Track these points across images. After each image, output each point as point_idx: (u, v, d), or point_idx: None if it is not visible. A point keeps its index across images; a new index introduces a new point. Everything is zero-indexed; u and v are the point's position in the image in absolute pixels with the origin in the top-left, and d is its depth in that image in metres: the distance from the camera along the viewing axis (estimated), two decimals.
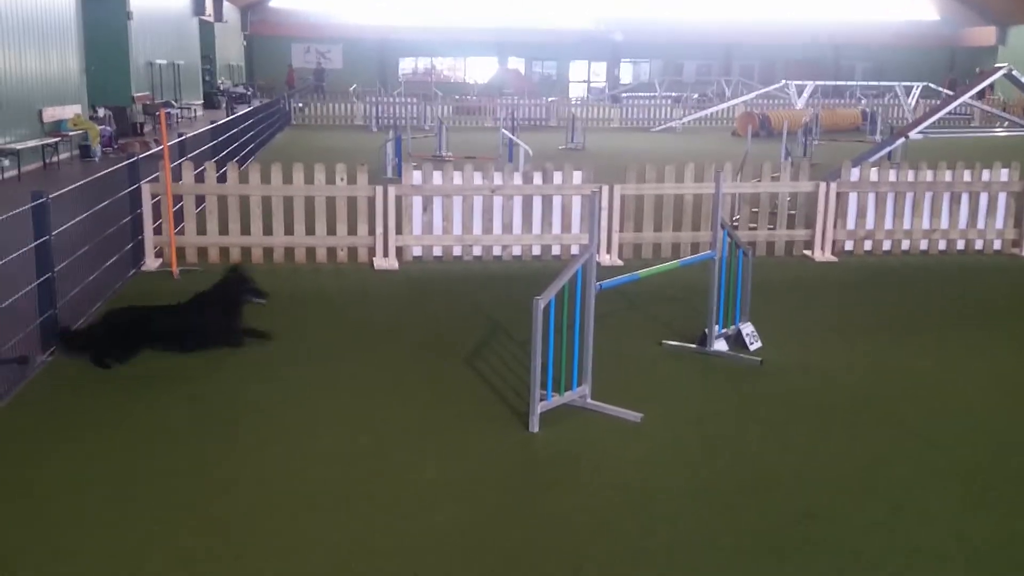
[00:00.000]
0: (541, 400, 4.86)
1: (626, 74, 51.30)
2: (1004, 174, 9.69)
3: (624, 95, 36.71)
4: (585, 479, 4.34)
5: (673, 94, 37.01)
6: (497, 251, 9.11)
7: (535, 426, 4.82)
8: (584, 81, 50.61)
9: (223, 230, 8.72)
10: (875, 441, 4.81)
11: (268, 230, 8.77)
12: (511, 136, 12.18)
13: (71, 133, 17.06)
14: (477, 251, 9.08)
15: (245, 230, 8.74)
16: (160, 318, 5.97)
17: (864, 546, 3.75)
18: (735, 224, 9.72)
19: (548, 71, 50.82)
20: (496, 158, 15.08)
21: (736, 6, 49.06)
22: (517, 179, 9.03)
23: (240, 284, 6.22)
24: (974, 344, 6.56)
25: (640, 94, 36.70)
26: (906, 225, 9.62)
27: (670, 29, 48.53)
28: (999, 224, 9.75)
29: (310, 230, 8.81)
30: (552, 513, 4.00)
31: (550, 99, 31.79)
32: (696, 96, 36.81)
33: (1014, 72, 14.26)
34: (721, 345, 6.12)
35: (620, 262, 9.01)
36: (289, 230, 8.80)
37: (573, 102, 33.27)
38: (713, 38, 48.76)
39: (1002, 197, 9.70)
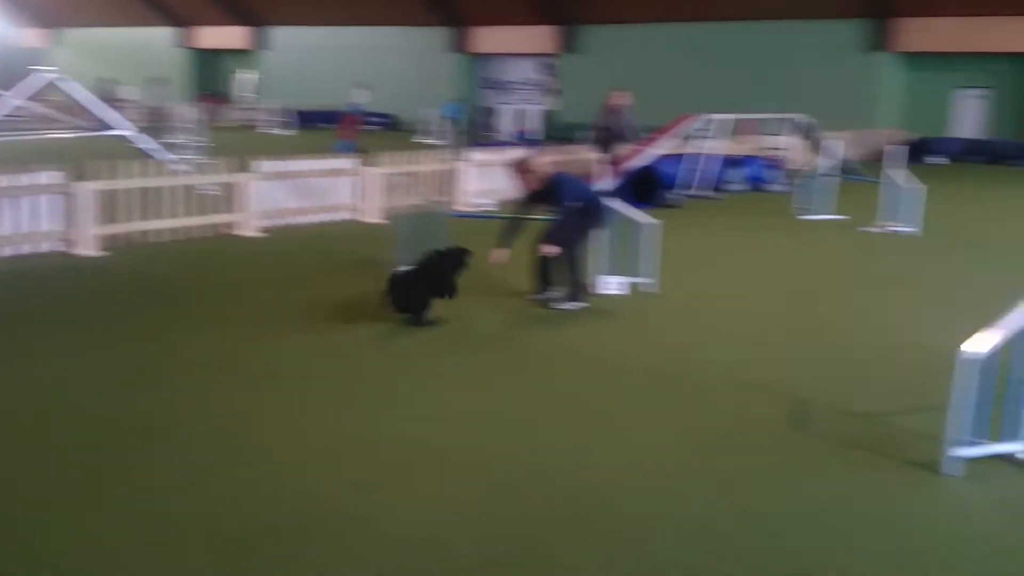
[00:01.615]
0: None
1: None
2: (49, 176, 9.89)
3: None
4: None
5: None
6: None
7: None
8: None
9: None
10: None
11: None
12: None
13: None
14: None
15: None
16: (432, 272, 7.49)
17: None
18: None
19: None
20: None
21: None
22: None
23: (463, 255, 7.66)
24: (30, 348, 6.56)
25: None
26: None
27: None
28: (49, 226, 9.88)
29: None
30: None
31: None
32: None
33: (58, 79, 14.70)
34: None
35: None
36: None
37: None
38: None
39: (50, 199, 9.87)
